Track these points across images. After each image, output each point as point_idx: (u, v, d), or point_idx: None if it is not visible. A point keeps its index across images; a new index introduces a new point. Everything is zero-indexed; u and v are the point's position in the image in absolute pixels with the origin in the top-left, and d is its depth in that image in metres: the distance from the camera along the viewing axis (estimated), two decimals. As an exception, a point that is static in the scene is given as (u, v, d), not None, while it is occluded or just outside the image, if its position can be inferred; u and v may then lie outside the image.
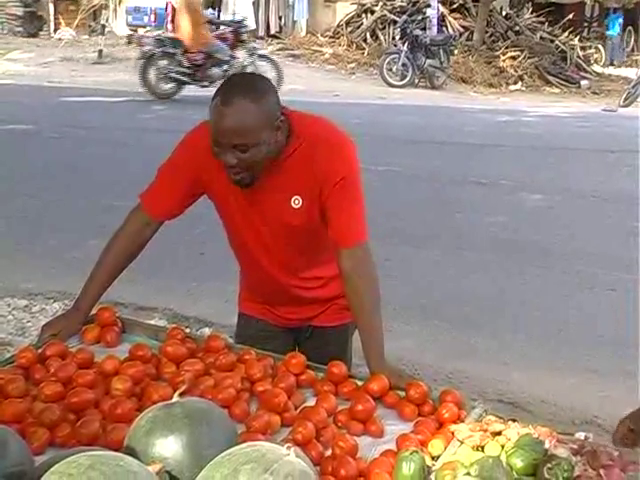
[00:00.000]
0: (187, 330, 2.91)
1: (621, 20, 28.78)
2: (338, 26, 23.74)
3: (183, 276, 6.16)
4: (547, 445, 2.04)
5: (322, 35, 23.75)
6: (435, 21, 21.30)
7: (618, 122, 15.68)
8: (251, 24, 24.07)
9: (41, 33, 25.77)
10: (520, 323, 5.66)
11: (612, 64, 27.11)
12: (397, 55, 19.05)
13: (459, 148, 11.84)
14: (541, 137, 13.37)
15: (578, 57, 23.02)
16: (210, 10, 24.99)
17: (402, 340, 5.25)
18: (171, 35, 15.84)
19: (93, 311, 2.89)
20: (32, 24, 25.64)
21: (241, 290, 3.14)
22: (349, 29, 23.21)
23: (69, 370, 2.44)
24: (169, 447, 1.47)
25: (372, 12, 23.06)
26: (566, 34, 23.49)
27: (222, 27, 16.16)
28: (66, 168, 9.65)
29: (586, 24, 30.24)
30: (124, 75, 18.98)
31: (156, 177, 2.83)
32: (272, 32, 24.69)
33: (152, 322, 4.54)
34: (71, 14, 26.80)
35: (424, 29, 20.57)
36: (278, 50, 22.66)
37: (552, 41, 23.04)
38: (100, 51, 20.95)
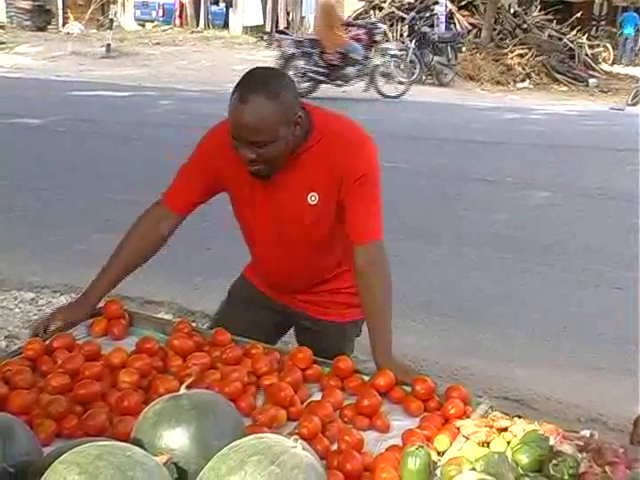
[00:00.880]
0: (194, 324, 2.91)
1: (636, 19, 28.68)
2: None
3: (189, 271, 6.17)
4: (553, 442, 2.04)
5: (330, 31, 23.71)
6: (443, 18, 21.27)
7: (625, 121, 15.64)
8: (258, 20, 24.12)
9: (49, 27, 25.83)
10: (523, 320, 5.65)
11: (621, 62, 27.03)
12: (405, 52, 19.03)
13: (465, 145, 11.83)
14: (547, 135, 13.35)
15: (586, 55, 22.96)
16: (219, 5, 25.07)
17: (406, 336, 5.25)
18: (309, 37, 16.45)
19: (100, 304, 2.90)
20: (41, 18, 25.70)
21: (249, 268, 3.17)
22: (357, 26, 23.18)
23: (76, 362, 2.45)
24: (176, 439, 1.48)
25: (380, 9, 23.04)
26: (574, 32, 23.43)
27: (356, 29, 16.52)
28: (72, 162, 9.66)
29: (594, 22, 30.17)
30: (132, 70, 19.02)
31: (177, 173, 2.87)
32: (280, 27, 24.66)
33: (158, 316, 4.54)
34: (79, 8, 26.86)
35: (432, 26, 20.55)
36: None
37: (560, 39, 22.98)
38: (108, 45, 20.98)
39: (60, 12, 26.64)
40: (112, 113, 13.19)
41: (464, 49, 21.28)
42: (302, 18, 25.14)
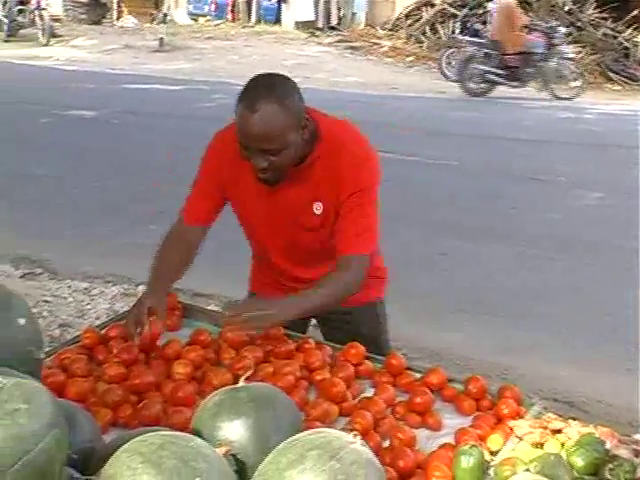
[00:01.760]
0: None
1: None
2: (397, 19, 23.59)
3: (238, 264, 6.18)
4: (608, 445, 2.02)
5: (381, 28, 23.62)
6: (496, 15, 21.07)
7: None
8: (310, 15, 24.13)
9: (104, 20, 26.08)
10: (574, 321, 5.59)
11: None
12: (457, 49, 18.90)
13: (516, 143, 11.71)
14: (601, 135, 13.16)
15: (642, 54, 22.59)
16: (271, 1, 25.13)
17: (456, 335, 5.24)
18: (490, 38, 16.55)
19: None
20: (96, 12, 25.95)
21: (252, 274, 3.20)
22: (408, 22, 23.04)
23: (131, 352, 2.48)
24: (235, 431, 1.49)
25: (432, 5, 22.87)
26: (630, 31, 23.05)
27: (536, 32, 16.65)
28: (127, 154, 9.78)
29: (651, 21, 29.66)
30: (184, 63, 19.14)
31: (191, 189, 2.90)
32: (331, 24, 24.65)
33: (209, 308, 4.58)
34: (133, 2, 27.06)
35: (485, 23, 20.34)
36: (337, 42, 22.61)
37: (615, 37, 22.61)
38: (161, 39, 21.13)
39: (115, 6, 26.88)
40: (164, 106, 13.29)
41: (517, 47, 21.06)
42: (353, 14, 25.04)
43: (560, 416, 2.26)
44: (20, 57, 18.92)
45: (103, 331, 2.68)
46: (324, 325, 3.12)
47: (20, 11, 21.29)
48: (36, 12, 20.85)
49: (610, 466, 1.90)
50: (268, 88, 2.52)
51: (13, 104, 12.48)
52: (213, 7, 25.83)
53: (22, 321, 1.53)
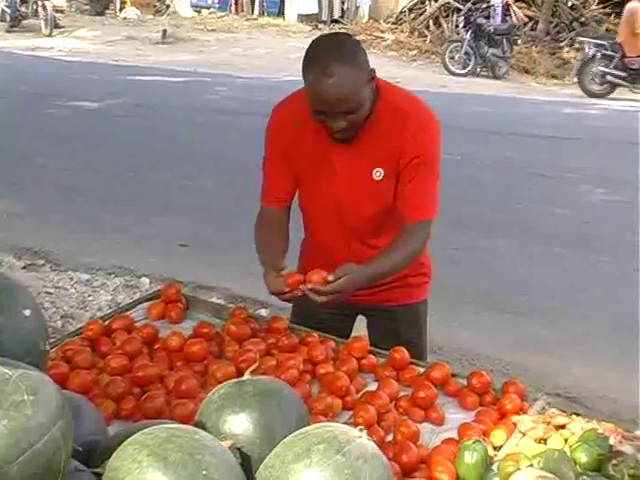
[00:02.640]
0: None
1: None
2: (401, 12, 23.54)
3: (241, 257, 6.18)
4: (612, 441, 2.02)
5: (384, 21, 23.58)
6: (499, 10, 20.98)
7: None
8: (313, 8, 24.08)
9: (107, 12, 26.03)
10: (582, 317, 5.59)
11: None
12: (460, 43, 18.85)
13: (522, 139, 11.70)
14: (606, 130, 13.13)
15: (644, 50, 22.56)
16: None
17: (461, 330, 5.24)
18: (611, 40, 16.78)
19: (156, 287, 2.92)
20: (98, 3, 25.91)
21: (302, 267, 3.12)
22: (412, 16, 23.00)
23: (135, 344, 2.48)
24: (240, 424, 1.48)
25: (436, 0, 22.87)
26: (633, 26, 23.04)
27: None
28: (131, 145, 9.78)
29: (654, 17, 29.64)
30: (187, 55, 19.13)
31: (263, 174, 2.87)
32: (335, 17, 24.60)
33: (211, 300, 4.58)
34: (136, -7, 27.04)
35: (488, 17, 20.29)
36: (340, 35, 22.55)
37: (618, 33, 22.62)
38: (164, 31, 21.11)
39: (117, -3, 26.87)
40: (167, 98, 13.29)
41: (520, 42, 21.01)
42: (357, 7, 24.98)
43: (564, 412, 2.25)
44: (23, 48, 18.93)
45: (106, 323, 2.67)
46: (371, 322, 3.10)
47: (23, 1, 21.29)
48: (39, 3, 20.85)
49: (614, 462, 1.90)
50: (337, 50, 2.51)
51: (16, 94, 12.49)
52: (217, -1, 25.81)
53: (27, 312, 1.52)
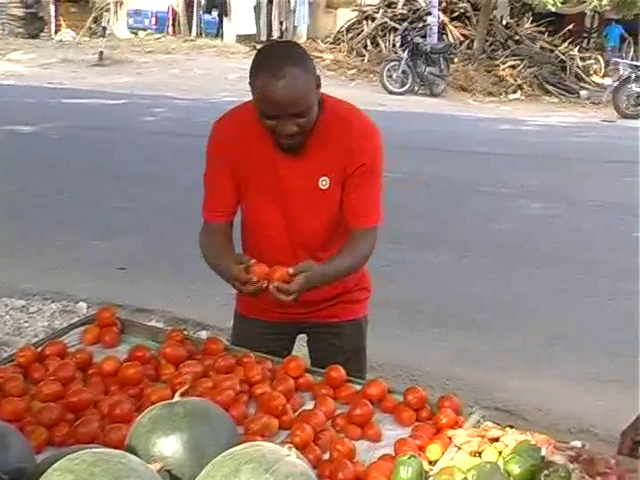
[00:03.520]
0: (185, 333, 2.91)
1: (620, 31, 28.75)
2: (339, 32, 23.75)
3: (181, 279, 6.16)
4: (544, 452, 2.04)
5: (323, 41, 23.77)
6: (436, 29, 21.32)
7: (617, 133, 15.69)
8: (251, 29, 24.14)
9: (42, 34, 25.80)
10: (517, 330, 5.66)
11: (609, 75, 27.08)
12: (397, 62, 19.07)
13: (459, 156, 11.84)
14: (541, 146, 13.38)
15: (577, 67, 23.02)
16: (212, 14, 25.07)
17: (403, 345, 5.27)
18: None
19: (93, 311, 2.89)
20: (33, 25, 25.67)
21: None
22: (350, 35, 23.21)
23: (68, 370, 2.45)
24: (170, 446, 1.48)
25: (373, 19, 23.08)
26: (566, 44, 23.51)
27: None
28: (67, 169, 9.66)
29: (586, 35, 30.26)
30: (125, 77, 19.01)
31: (205, 187, 2.83)
32: (273, 37, 24.69)
33: (150, 324, 4.54)
34: (72, 16, 26.83)
35: (424, 37, 20.60)
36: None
37: (552, 51, 23.05)
38: (101, 53, 20.97)
39: (53, 20, 26.60)
40: (105, 120, 13.19)
41: (456, 60, 21.32)
42: (295, 28, 25.13)
43: (498, 424, 2.28)
44: (-45, 71, 18.65)
45: (40, 349, 2.63)
46: (313, 339, 3.10)
47: (-45, 24, 20.99)
48: (-28, 26, 20.57)
49: (546, 472, 1.93)
50: (286, 53, 2.55)
51: (-52, 119, 12.28)
52: (154, 21, 25.71)
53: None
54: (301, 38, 24.78)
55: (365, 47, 22.63)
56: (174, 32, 25.62)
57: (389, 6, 23.15)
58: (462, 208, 8.91)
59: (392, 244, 6.79)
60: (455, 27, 22.64)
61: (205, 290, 5.88)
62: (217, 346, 2.70)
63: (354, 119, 2.71)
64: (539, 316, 5.96)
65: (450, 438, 2.21)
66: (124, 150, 10.88)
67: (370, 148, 2.70)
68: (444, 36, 22.02)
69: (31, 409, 2.25)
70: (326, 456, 2.16)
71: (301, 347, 3.15)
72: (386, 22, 22.59)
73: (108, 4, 25.24)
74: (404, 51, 19.03)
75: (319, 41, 23.81)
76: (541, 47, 23.07)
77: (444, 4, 22.53)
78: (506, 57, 22.12)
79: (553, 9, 22.36)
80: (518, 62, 21.93)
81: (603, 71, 25.76)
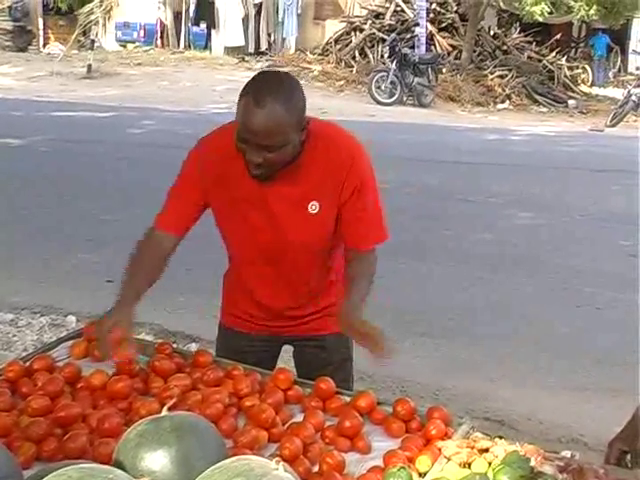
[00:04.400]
0: (174, 345, 2.90)
1: (607, 41, 28.94)
2: (327, 44, 23.81)
3: (170, 292, 6.11)
4: (533, 463, 2.04)
5: (311, 52, 23.82)
6: (423, 40, 21.40)
7: (605, 142, 15.77)
8: (240, 41, 24.18)
9: (30, 47, 25.77)
10: (514, 338, 5.68)
11: (598, 84, 27.23)
12: (385, 73, 19.12)
13: (447, 166, 11.89)
14: (529, 156, 13.43)
15: (565, 77, 23.14)
16: (200, 26, 25.10)
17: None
18: None
19: (80, 326, 2.88)
20: (21, 38, 25.64)
21: (225, 301, 3.10)
22: (338, 47, 23.27)
23: (56, 384, 2.43)
24: (158, 461, 1.47)
25: (361, 30, 23.15)
26: (554, 54, 23.64)
27: None
28: (54, 182, 9.64)
29: (573, 44, 30.42)
30: (113, 90, 19.00)
31: (167, 196, 2.80)
32: (261, 49, 24.74)
33: (139, 337, 4.52)
34: (60, 29, 26.83)
35: (413, 47, 20.68)
36: (267, 67, 22.68)
37: (540, 61, 23.18)
38: (89, 66, 20.96)
39: (41, 33, 26.58)
40: (94, 133, 13.16)
41: (444, 70, 21.40)
42: (283, 39, 25.21)
43: (487, 435, 2.28)
44: (-58, 85, 18.60)
45: (28, 363, 2.62)
46: (298, 351, 3.09)
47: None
48: (-40, 39, 20.53)
49: (535, 483, 1.93)
50: (277, 85, 2.50)
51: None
52: (142, 33, 25.73)
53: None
54: (290, 50, 24.85)
55: (353, 58, 22.69)
56: (162, 44, 25.64)
57: (377, 17, 23.24)
58: (450, 218, 8.93)
59: (383, 254, 6.81)
60: (443, 38, 22.73)
61: (194, 302, 5.88)
62: (206, 359, 2.69)
63: (340, 141, 2.68)
64: (528, 325, 5.97)
65: (439, 449, 2.21)
66: (112, 162, 10.86)
67: (360, 169, 2.66)
68: (432, 47, 22.11)
69: (19, 424, 2.23)
70: (315, 469, 2.15)
71: (289, 360, 3.14)
72: (374, 33, 22.66)
73: (97, 17, 25.23)
74: (392, 62, 19.09)
75: (307, 52, 23.86)
76: (529, 57, 23.19)
77: (432, 15, 22.62)
78: (494, 67, 22.23)
79: (540, 19, 22.44)
80: (506, 72, 22.03)
81: (590, 80, 25.94)
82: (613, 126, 18.50)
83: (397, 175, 10.38)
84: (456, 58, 22.44)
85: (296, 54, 24.21)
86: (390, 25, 22.60)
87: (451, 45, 22.76)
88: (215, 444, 1.57)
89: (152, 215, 2.82)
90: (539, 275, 7.07)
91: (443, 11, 23.28)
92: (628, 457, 2.34)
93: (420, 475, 2.10)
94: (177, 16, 25.34)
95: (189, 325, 5.52)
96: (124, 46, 25.79)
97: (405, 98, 19.29)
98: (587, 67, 26.99)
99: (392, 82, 18.87)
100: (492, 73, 21.95)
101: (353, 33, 23.36)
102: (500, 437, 2.25)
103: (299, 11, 25.07)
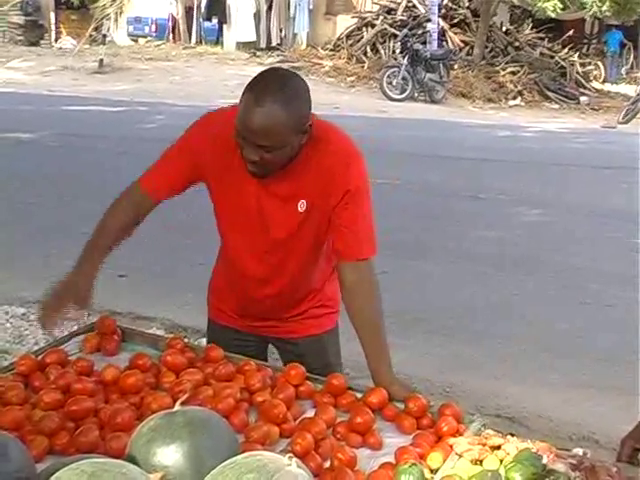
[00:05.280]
0: (186, 340, 2.90)
1: (620, 37, 28.85)
2: (338, 39, 23.80)
3: (181, 286, 6.15)
4: (546, 460, 2.04)
5: (322, 48, 23.80)
6: (435, 35, 21.37)
7: (617, 139, 15.71)
8: (251, 36, 24.18)
9: (42, 42, 25.84)
10: (515, 337, 5.66)
11: (610, 81, 27.15)
12: (397, 69, 19.10)
13: (458, 162, 11.85)
14: (540, 152, 13.39)
15: (577, 73, 23.07)
16: (212, 22, 25.11)
17: (398, 353, 5.19)
18: None
19: (93, 319, 2.88)
20: (33, 33, 25.73)
21: (212, 294, 3.13)
22: (349, 42, 23.26)
23: (68, 378, 2.44)
24: (170, 456, 1.47)
25: (373, 26, 23.12)
26: (566, 50, 23.56)
27: None
28: (65, 177, 9.66)
29: (586, 41, 30.33)
30: (124, 85, 19.03)
31: (160, 157, 2.76)
32: (273, 44, 24.74)
33: (150, 332, 4.53)
34: (72, 23, 26.89)
35: (424, 43, 20.64)
36: (278, 62, 22.67)
37: (552, 57, 23.11)
38: (101, 60, 21.00)
39: (53, 27, 26.65)
40: (105, 128, 13.19)
41: (456, 66, 21.37)
42: (295, 35, 25.20)
43: (499, 432, 2.27)
44: (-45, 79, 18.66)
45: (40, 357, 2.63)
46: (279, 352, 3.10)
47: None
48: (-29, 34, 20.60)
49: (547, 480, 1.92)
50: (280, 86, 2.44)
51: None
52: (154, 28, 25.77)
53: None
54: (301, 45, 24.83)
55: (365, 54, 22.67)
56: (174, 39, 25.67)
57: (389, 13, 23.21)
58: (460, 215, 8.91)
59: (387, 251, 6.80)
60: (455, 33, 22.69)
61: (203, 297, 5.86)
62: (217, 353, 2.69)
63: (338, 146, 2.62)
64: (537, 323, 5.96)
65: (451, 446, 2.20)
66: (122, 157, 10.87)
67: (353, 175, 2.61)
68: (444, 42, 22.07)
69: (31, 418, 2.24)
70: (327, 464, 2.15)
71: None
72: (386, 29, 22.64)
73: (109, 12, 25.27)
74: (404, 58, 19.08)
75: (319, 48, 23.84)
76: (541, 53, 23.12)
77: (444, 10, 22.59)
78: (506, 63, 22.18)
79: (553, 15, 22.40)
80: (518, 68, 21.98)
81: (603, 77, 25.85)
82: (626, 123, 18.43)
83: (406, 171, 10.39)
84: (468, 54, 22.40)
85: (307, 49, 24.20)
86: (402, 21, 22.56)
87: (463, 41, 22.72)
88: (228, 439, 1.57)
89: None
90: (548, 273, 7.06)
91: (455, 7, 23.25)
92: None
93: (431, 472, 2.10)
94: (189, 11, 25.37)
95: (200, 320, 5.50)
96: (136, 41, 25.84)
97: (416, 94, 19.26)
98: (599, 63, 26.92)
99: (403, 78, 18.84)
100: (504, 69, 21.90)
101: (365, 28, 23.33)
102: (512, 434, 2.25)
103: (311, 6, 25.03)
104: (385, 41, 22.58)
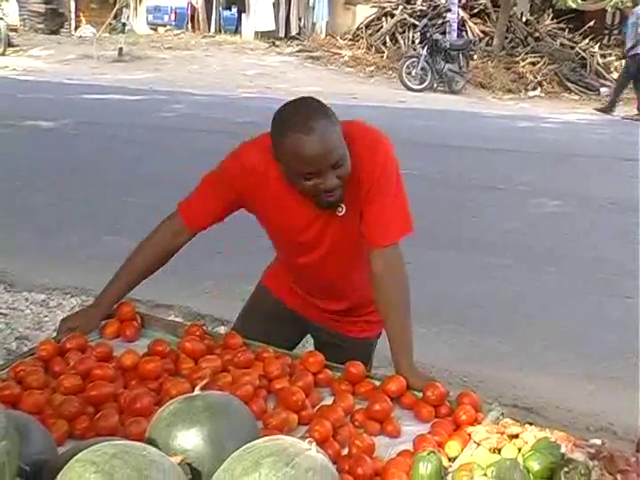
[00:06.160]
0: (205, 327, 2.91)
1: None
2: (358, 29, 23.73)
3: (200, 274, 6.18)
4: (564, 449, 2.03)
5: (341, 38, 23.74)
6: (455, 25, 21.27)
7: (637, 130, 15.59)
8: (270, 25, 24.16)
9: (62, 30, 25.94)
10: (536, 328, 5.65)
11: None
12: (416, 59, 19.03)
13: (477, 153, 11.81)
14: (559, 143, 13.32)
15: (598, 64, 22.90)
16: (231, 11, 25.11)
17: (417, 342, 5.23)
18: None
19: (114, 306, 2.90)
20: (53, 21, 25.82)
21: (272, 267, 3.15)
22: (369, 32, 23.19)
23: (88, 363, 2.46)
24: (190, 439, 1.48)
25: (392, 15, 23.04)
26: (586, 41, 23.39)
27: None
28: (84, 165, 9.70)
29: (607, 32, 30.10)
30: (144, 73, 19.07)
31: (198, 187, 2.78)
32: (292, 34, 24.71)
33: (169, 319, 4.55)
34: (92, 12, 26.96)
35: (444, 33, 20.55)
36: (297, 52, 22.69)
37: (572, 48, 22.95)
38: (120, 49, 21.05)
39: (73, 15, 26.74)
40: (124, 116, 13.22)
41: (475, 57, 21.27)
42: (314, 24, 25.16)
43: (517, 421, 2.27)
44: (-24, 67, 18.75)
45: (60, 343, 2.65)
46: (317, 343, 3.15)
47: (-25, 21, 21.08)
48: (-8, 21, 20.67)
49: (565, 469, 1.91)
50: (306, 110, 2.48)
51: (-32, 114, 12.35)
52: (173, 17, 25.79)
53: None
54: (320, 34, 24.79)
55: (384, 44, 22.60)
56: (193, 28, 25.69)
57: (408, 2, 23.11)
58: (478, 206, 8.88)
59: (409, 242, 6.80)
60: (475, 24, 22.58)
61: (223, 286, 5.91)
62: (236, 341, 2.70)
63: (357, 138, 2.60)
64: (555, 314, 5.93)
65: (469, 434, 2.21)
66: (140, 146, 10.92)
67: (378, 158, 2.61)
68: (463, 33, 21.97)
69: (52, 402, 2.26)
70: (345, 451, 2.16)
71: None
72: (405, 18, 22.55)
73: (128, 0, 25.32)
74: (423, 48, 19.00)
75: (338, 37, 23.79)
76: (561, 44, 22.97)
77: (463, 0, 22.48)
78: (526, 54, 22.05)
79: (574, 5, 22.27)
80: (538, 59, 21.85)
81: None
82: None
83: (425, 162, 10.36)
84: (487, 44, 22.28)
85: (326, 39, 24.15)
86: (421, 11, 22.47)
87: (483, 31, 22.60)
88: (247, 424, 1.58)
89: (177, 199, 2.82)
90: (568, 264, 7.02)
91: (475, -4, 23.13)
92: None
93: (450, 460, 2.10)
94: (208, 0, 25.37)
95: (218, 308, 5.54)
96: (155, 29, 25.87)
97: (436, 84, 19.19)
98: (620, 54, 26.69)
99: (423, 68, 18.78)
100: (524, 60, 21.77)
101: (384, 18, 23.25)
102: (530, 423, 2.25)
103: (330, -4, 25.02)
104: (404, 31, 22.50)
